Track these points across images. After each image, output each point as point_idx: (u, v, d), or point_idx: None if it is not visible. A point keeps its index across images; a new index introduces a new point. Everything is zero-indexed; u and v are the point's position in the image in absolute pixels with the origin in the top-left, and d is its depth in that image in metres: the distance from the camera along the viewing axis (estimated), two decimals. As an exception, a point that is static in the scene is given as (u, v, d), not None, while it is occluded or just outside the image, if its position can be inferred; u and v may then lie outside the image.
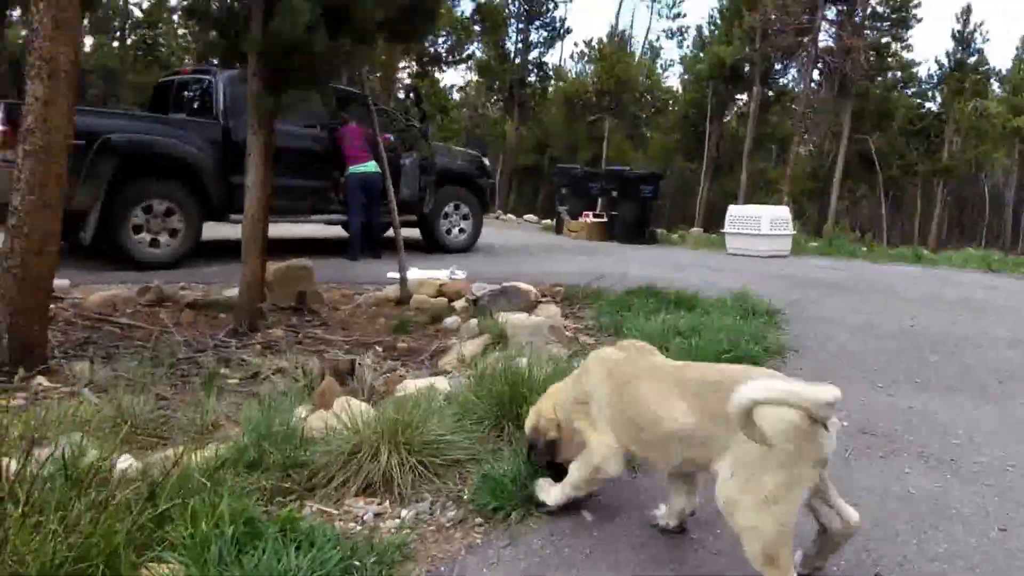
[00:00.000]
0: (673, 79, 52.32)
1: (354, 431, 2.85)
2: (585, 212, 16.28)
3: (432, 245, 12.13)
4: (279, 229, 12.07)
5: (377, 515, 2.69)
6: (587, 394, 2.62)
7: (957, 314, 7.50)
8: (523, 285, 7.31)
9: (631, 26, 64.17)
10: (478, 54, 36.62)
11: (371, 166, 10.71)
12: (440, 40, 32.62)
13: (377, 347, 5.68)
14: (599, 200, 16.48)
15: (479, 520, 2.75)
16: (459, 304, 7.18)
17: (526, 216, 21.19)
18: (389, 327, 6.46)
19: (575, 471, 2.65)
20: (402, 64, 31.19)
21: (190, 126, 9.67)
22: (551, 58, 48.52)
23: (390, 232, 11.85)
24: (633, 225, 15.45)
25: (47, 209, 4.01)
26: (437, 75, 35.28)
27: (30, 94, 3.99)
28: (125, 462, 2.52)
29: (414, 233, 12.51)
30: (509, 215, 22.29)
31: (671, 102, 41.63)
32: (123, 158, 8.79)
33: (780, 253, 13.15)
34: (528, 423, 2.79)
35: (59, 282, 7.35)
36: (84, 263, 8.80)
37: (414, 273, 9.25)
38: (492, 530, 2.69)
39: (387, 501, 2.75)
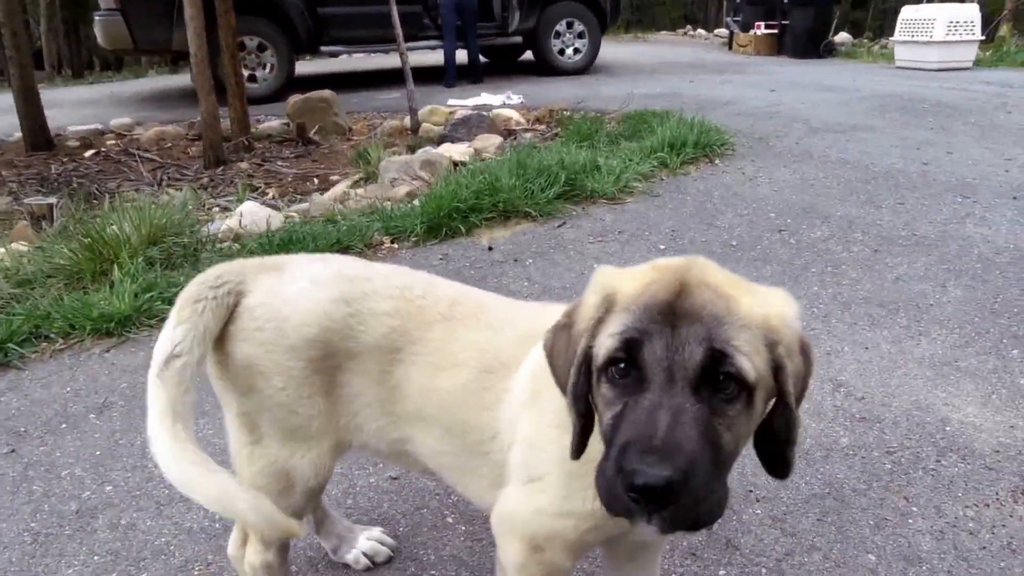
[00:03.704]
0: None
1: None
2: (758, 23, 14.45)
3: (543, 67, 11.66)
4: (376, 60, 12.39)
5: None
6: None
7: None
8: (504, 112, 7.07)
9: None
10: None
11: None
12: None
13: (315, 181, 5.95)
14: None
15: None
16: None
17: (717, 31, 19.18)
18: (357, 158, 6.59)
19: None
20: None
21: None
22: None
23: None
24: (806, 37, 13.49)
25: None
26: None
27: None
28: None
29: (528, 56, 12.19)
30: (699, 31, 20.36)
31: None
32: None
33: (957, 64, 10.82)
34: None
35: (121, 120, 8.45)
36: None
37: (484, 99, 9.20)
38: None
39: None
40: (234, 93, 6.80)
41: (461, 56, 10.90)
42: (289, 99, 7.86)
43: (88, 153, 7.28)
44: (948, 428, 2.44)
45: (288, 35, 10.10)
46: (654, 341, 1.04)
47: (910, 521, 2.06)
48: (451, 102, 9.01)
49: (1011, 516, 2.07)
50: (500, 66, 12.56)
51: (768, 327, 1.09)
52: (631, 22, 24.39)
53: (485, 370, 1.45)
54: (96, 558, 2.02)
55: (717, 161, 5.37)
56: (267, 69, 10.06)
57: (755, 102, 7.88)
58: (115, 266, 3.59)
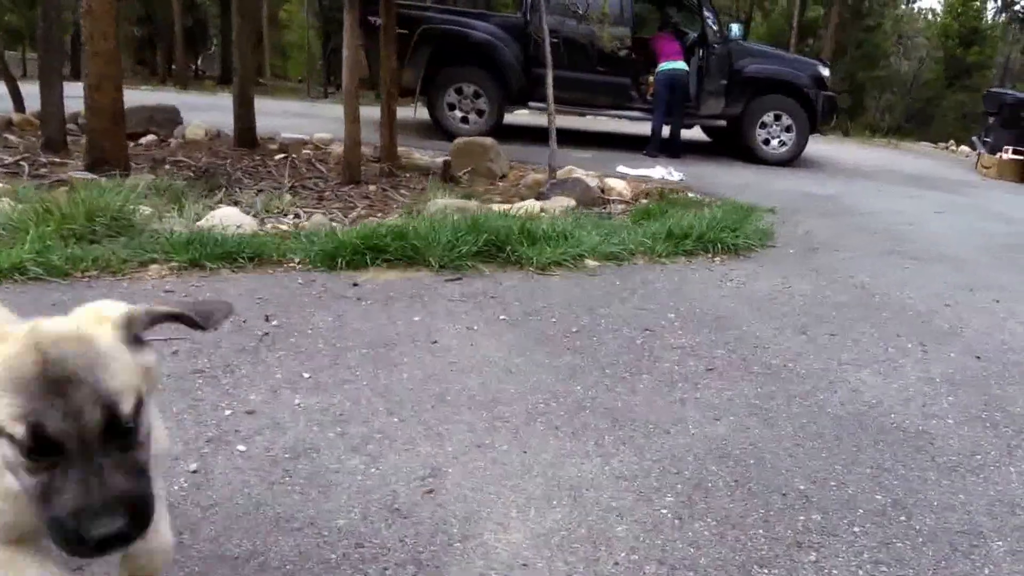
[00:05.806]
0: None
1: None
2: (1006, 147, 13.41)
3: (746, 154, 11.92)
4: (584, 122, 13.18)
5: None
6: None
7: None
8: (613, 183, 7.63)
9: None
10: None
11: (681, 64, 11.17)
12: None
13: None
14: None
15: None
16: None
17: (963, 147, 17.63)
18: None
19: None
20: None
21: (495, 19, 11.40)
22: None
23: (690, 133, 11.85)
24: (1057, 167, 12.33)
25: (97, 57, 6.16)
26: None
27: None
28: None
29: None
30: (962, 147, 18.83)
31: None
32: (437, 45, 10.98)
33: None
34: None
35: (323, 135, 10.01)
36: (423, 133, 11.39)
37: (653, 172, 9.84)
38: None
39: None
40: (384, 124, 8.11)
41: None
42: (457, 140, 9.04)
43: (278, 156, 8.64)
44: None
45: (502, 87, 11.46)
46: (49, 415, 1.04)
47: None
48: (620, 168, 9.76)
49: None
50: (712, 147, 13.13)
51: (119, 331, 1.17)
52: (903, 128, 23.20)
53: None
54: None
55: (718, 258, 5.34)
56: (479, 115, 11.47)
57: (894, 218, 7.67)
58: (35, 226, 4.23)
